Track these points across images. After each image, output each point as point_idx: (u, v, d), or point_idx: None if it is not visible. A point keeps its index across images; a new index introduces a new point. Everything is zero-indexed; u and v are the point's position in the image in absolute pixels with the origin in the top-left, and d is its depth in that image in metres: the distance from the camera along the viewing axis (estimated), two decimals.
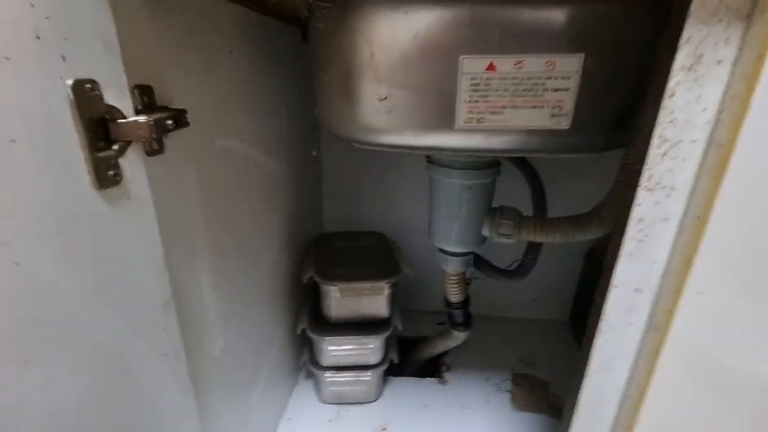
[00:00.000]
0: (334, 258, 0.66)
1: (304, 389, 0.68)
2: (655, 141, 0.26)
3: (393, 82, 0.33)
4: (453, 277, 0.58)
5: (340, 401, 0.65)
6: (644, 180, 0.27)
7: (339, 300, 0.60)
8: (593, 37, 0.31)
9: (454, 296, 0.60)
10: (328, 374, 0.62)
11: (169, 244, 0.30)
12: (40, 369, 0.21)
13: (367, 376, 0.63)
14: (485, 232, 0.51)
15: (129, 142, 0.26)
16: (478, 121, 0.35)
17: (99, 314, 0.25)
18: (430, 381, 0.70)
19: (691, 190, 0.26)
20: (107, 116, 0.24)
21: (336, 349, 0.61)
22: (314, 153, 0.75)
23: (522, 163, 0.54)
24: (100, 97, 0.24)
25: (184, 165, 0.35)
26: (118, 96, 0.25)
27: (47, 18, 0.20)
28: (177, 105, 0.32)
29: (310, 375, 0.69)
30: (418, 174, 0.74)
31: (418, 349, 0.73)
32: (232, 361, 0.45)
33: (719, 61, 0.23)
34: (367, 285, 0.59)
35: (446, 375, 0.71)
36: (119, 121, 0.25)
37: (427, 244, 0.56)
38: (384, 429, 0.61)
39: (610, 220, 0.42)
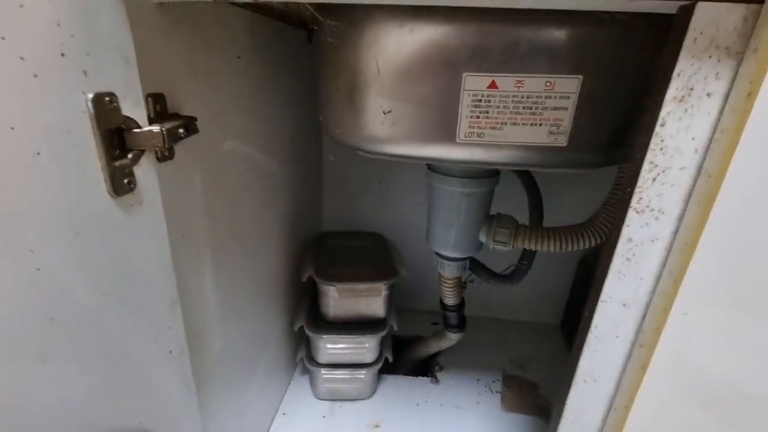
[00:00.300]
0: (332, 258, 0.67)
1: (300, 385, 0.70)
2: (645, 166, 0.27)
3: (397, 96, 0.34)
4: (449, 281, 0.60)
5: (335, 398, 0.67)
6: (634, 202, 0.28)
7: (337, 300, 0.61)
8: (591, 60, 0.32)
9: (450, 299, 0.62)
10: (323, 371, 0.64)
11: (175, 245, 0.32)
12: (56, 365, 0.23)
13: (362, 373, 0.65)
14: (482, 238, 0.52)
15: (142, 151, 0.27)
16: (479, 135, 0.36)
17: (110, 314, 0.26)
18: (423, 380, 0.72)
19: (679, 215, 0.27)
20: (123, 126, 0.25)
21: (332, 347, 0.62)
22: (331, 158, 0.76)
23: (521, 172, 0.55)
24: (118, 109, 0.25)
25: (192, 169, 0.36)
26: (133, 106, 0.26)
27: (72, 35, 0.21)
28: (187, 111, 0.33)
29: (305, 371, 0.70)
30: (417, 176, 0.75)
31: (412, 348, 0.74)
32: (231, 358, 0.47)
33: (709, 94, 0.25)
34: (364, 286, 0.61)
35: (439, 374, 0.73)
36: (134, 130, 0.26)
37: (424, 245, 0.57)
38: (377, 426, 0.63)
39: (602, 232, 0.44)
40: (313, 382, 0.67)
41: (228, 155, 0.42)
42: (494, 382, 0.72)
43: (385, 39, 0.32)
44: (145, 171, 0.27)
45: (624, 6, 0.27)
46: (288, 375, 0.70)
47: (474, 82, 0.34)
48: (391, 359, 0.66)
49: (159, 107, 0.30)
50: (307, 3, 0.31)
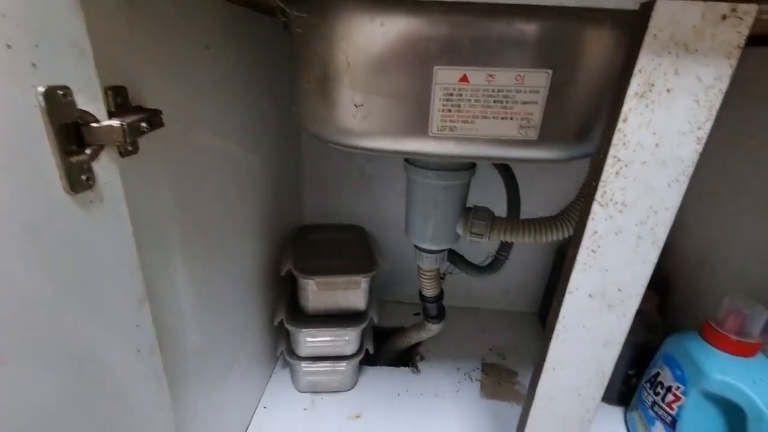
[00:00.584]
0: (312, 251, 0.67)
1: (281, 378, 0.70)
2: (609, 160, 0.27)
3: (369, 90, 0.34)
4: (427, 273, 0.60)
5: (316, 390, 0.67)
6: (599, 196, 0.29)
7: (316, 293, 0.61)
8: (560, 55, 0.32)
9: (429, 290, 0.62)
10: (304, 364, 0.64)
11: (143, 242, 0.31)
12: (13, 368, 0.22)
13: (342, 366, 0.65)
14: (459, 230, 0.53)
15: (102, 146, 0.26)
16: (451, 129, 0.36)
17: (73, 314, 0.26)
18: (404, 370, 0.73)
19: (641, 208, 0.28)
20: (80, 121, 0.24)
21: (313, 340, 0.62)
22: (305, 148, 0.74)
23: (499, 164, 0.56)
24: (73, 103, 0.24)
25: (159, 163, 0.35)
26: (90, 100, 0.25)
27: (18, 27, 0.20)
28: (152, 104, 0.32)
29: (286, 364, 0.71)
30: (398, 168, 0.75)
31: (393, 339, 0.75)
32: (208, 353, 0.46)
33: (669, 90, 0.25)
34: (343, 279, 0.61)
35: (420, 364, 0.74)
36: (92, 125, 0.25)
37: (405, 237, 0.57)
38: (358, 416, 0.64)
39: (574, 224, 0.45)
40: (293, 375, 0.68)
41: (199, 148, 0.41)
42: (474, 370, 0.73)
43: (354, 32, 0.32)
44: (106, 167, 0.27)
45: (584, 1, 0.27)
46: (269, 369, 0.70)
47: (445, 76, 0.33)
48: (372, 351, 0.67)
49: (120, 100, 0.29)
50: None
